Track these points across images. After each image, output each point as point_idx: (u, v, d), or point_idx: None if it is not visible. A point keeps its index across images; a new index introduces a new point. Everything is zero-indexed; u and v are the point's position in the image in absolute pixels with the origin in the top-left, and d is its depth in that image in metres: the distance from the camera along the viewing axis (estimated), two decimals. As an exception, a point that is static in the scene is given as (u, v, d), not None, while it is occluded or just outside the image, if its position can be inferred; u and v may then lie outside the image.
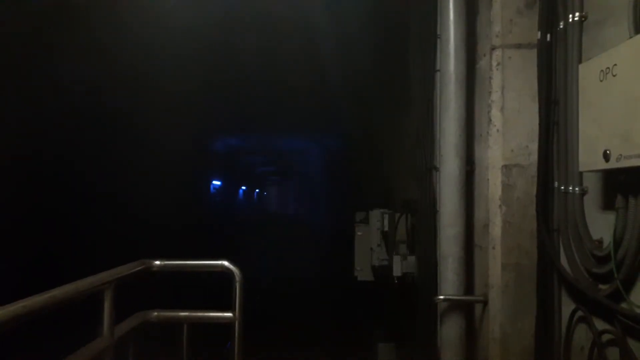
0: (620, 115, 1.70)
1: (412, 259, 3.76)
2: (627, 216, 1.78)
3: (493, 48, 2.61)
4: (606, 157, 1.75)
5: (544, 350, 2.36)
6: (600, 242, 2.02)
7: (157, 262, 2.44)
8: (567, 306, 2.30)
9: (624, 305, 1.85)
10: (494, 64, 2.59)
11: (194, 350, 2.57)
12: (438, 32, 2.89)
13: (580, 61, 2.12)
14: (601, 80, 1.81)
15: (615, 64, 1.73)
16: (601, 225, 2.03)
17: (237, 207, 26.05)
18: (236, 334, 2.48)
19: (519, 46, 2.56)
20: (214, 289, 3.44)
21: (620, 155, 1.68)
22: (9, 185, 6.37)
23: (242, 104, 11.16)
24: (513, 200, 2.54)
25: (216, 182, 19.34)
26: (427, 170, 3.10)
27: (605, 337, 2.00)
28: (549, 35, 2.31)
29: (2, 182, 6.22)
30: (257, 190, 38.57)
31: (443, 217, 2.81)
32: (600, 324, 2.04)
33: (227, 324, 2.50)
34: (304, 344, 6.77)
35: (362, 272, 4.82)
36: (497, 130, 2.58)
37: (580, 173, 2.14)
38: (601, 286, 2.01)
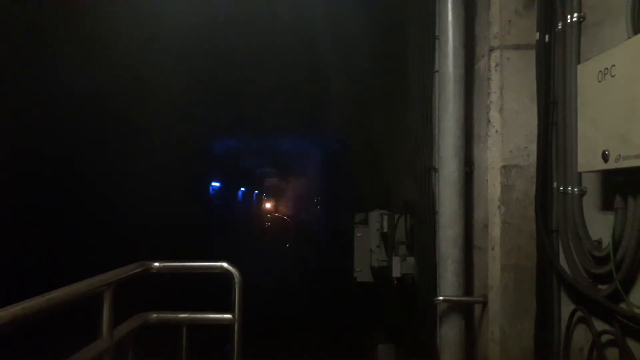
0: (619, 116, 1.70)
1: (411, 260, 3.76)
2: (626, 216, 1.78)
3: (491, 49, 2.61)
4: (605, 157, 1.75)
5: (544, 351, 2.36)
6: (600, 242, 2.02)
7: (157, 264, 2.44)
8: (567, 307, 2.30)
9: (623, 305, 1.85)
10: (493, 64, 2.60)
11: (193, 352, 2.56)
12: (437, 33, 2.90)
13: (578, 62, 2.13)
14: (600, 81, 1.81)
15: (613, 65, 1.73)
16: (600, 226, 2.03)
17: (235, 208, 26.01)
18: (235, 336, 2.48)
19: (517, 47, 2.56)
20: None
21: (619, 155, 1.68)
22: (8, 186, 6.37)
23: (240, 105, 11.16)
24: (512, 201, 2.54)
25: (215, 184, 19.33)
26: (426, 171, 3.10)
27: (605, 338, 2.00)
28: (547, 36, 2.31)
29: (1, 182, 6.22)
30: (256, 191, 38.52)
31: (442, 218, 2.81)
32: (599, 325, 2.04)
33: (226, 326, 2.50)
34: (304, 346, 6.77)
35: (362, 273, 4.82)
36: (496, 131, 2.59)
37: (579, 173, 2.14)
38: (600, 286, 2.01)
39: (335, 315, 8.85)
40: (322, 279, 12.33)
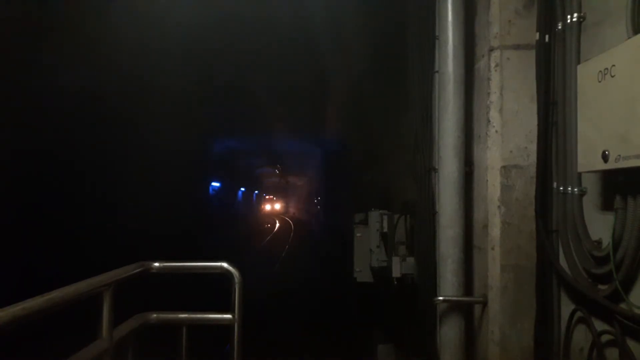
0: (619, 116, 1.70)
1: (411, 260, 3.75)
2: (626, 216, 1.78)
3: (491, 49, 2.61)
4: (605, 157, 1.75)
5: (544, 351, 2.36)
6: (599, 242, 2.02)
7: (156, 264, 2.43)
8: (567, 307, 2.30)
9: (623, 305, 1.85)
10: (493, 65, 2.60)
11: (193, 352, 2.56)
12: (437, 34, 2.90)
13: (578, 62, 2.13)
14: (600, 81, 1.81)
15: (613, 65, 1.73)
16: (600, 226, 2.03)
17: (235, 208, 26.02)
18: (235, 336, 2.48)
19: (517, 47, 2.56)
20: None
21: (619, 156, 1.68)
22: (9, 187, 6.36)
23: (240, 105, 11.16)
24: (512, 201, 2.54)
25: (215, 184, 19.33)
26: (426, 171, 3.10)
27: (605, 338, 2.00)
28: (547, 36, 2.31)
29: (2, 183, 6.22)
30: (256, 191, 38.52)
31: (442, 218, 2.81)
32: (599, 325, 2.04)
33: (226, 326, 2.50)
34: (304, 346, 6.77)
35: (362, 273, 4.81)
36: (496, 131, 2.58)
37: (579, 174, 2.14)
38: (600, 287, 2.01)
39: (335, 315, 8.85)
40: (321, 279, 12.33)
